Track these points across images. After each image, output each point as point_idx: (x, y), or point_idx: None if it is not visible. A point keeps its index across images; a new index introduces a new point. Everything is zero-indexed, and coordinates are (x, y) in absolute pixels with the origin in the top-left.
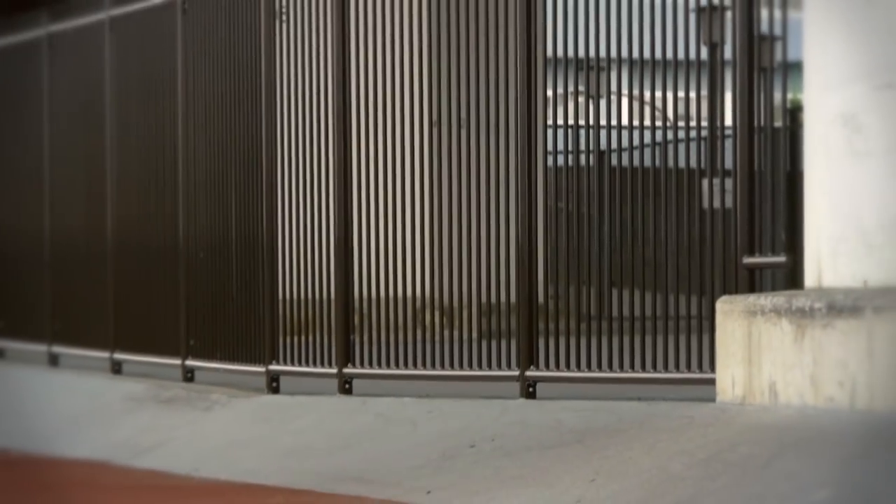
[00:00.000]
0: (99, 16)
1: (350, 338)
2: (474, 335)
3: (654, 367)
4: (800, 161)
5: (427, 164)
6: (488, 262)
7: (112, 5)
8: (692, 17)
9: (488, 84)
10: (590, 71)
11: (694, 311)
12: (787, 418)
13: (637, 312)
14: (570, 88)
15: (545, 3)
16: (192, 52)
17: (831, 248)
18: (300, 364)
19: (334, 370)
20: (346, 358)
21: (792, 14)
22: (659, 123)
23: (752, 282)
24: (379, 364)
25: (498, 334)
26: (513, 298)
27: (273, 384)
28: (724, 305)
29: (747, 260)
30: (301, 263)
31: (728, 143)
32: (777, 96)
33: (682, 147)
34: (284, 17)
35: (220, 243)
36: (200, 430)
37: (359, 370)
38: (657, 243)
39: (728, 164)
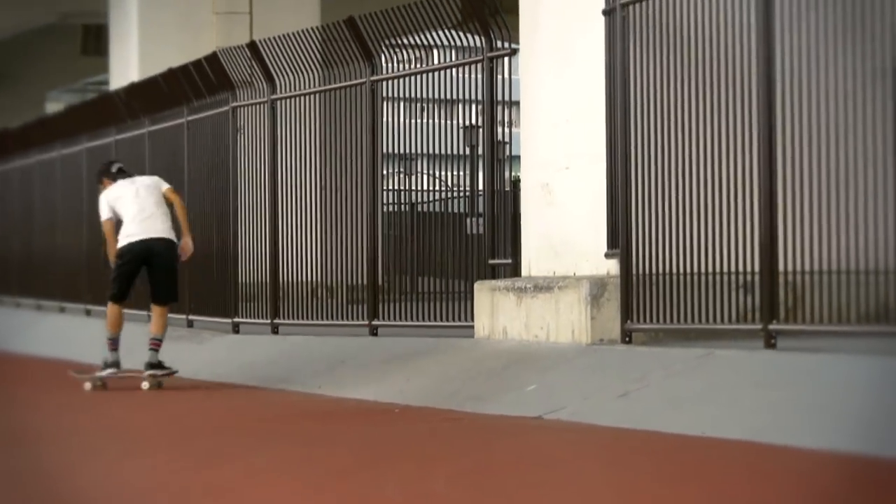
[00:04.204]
0: (142, 130)
1: (277, 303)
2: (345, 301)
3: (443, 318)
4: (519, 208)
5: (320, 210)
6: (353, 262)
7: (149, 124)
8: (461, 131)
9: (353, 166)
10: (406, 160)
11: (463, 289)
12: (513, 347)
13: (433, 289)
14: (396, 169)
15: (382, 124)
16: (193, 148)
17: (535, 255)
18: (250, 317)
19: (268, 321)
20: (275, 314)
21: (515, 130)
22: (443, 188)
23: (494, 273)
24: (294, 317)
25: (358, 301)
26: (365, 281)
27: (235, 328)
28: (478, 285)
29: (491, 261)
30: (251, 262)
31: (481, 199)
32: (507, 174)
33: (456, 201)
34: (242, 130)
35: (207, 251)
36: (197, 354)
37: (282, 321)
38: (443, 252)
39: (481, 210)
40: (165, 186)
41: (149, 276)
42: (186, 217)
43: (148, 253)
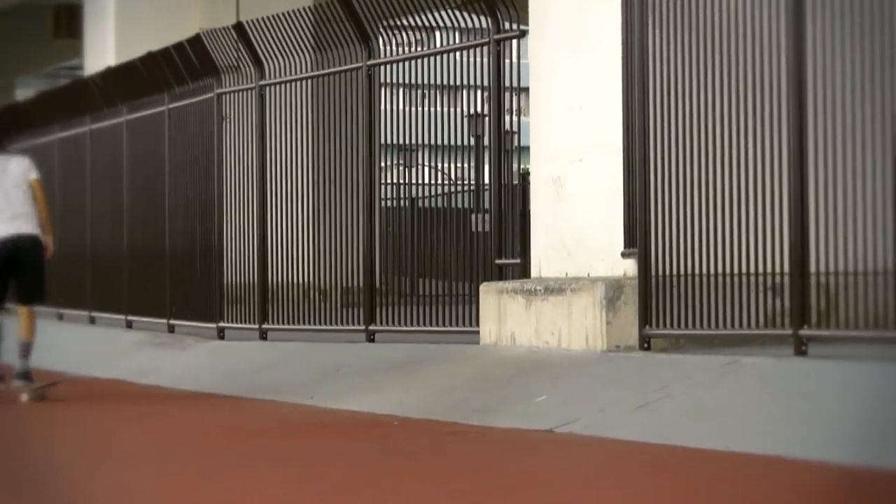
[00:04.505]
0: (119, 119)
1: (266, 306)
2: (339, 305)
3: (446, 323)
4: (528, 203)
5: (312, 204)
6: (348, 262)
7: (127, 112)
8: (465, 120)
9: (348, 158)
10: (406, 151)
11: (468, 291)
12: (521, 354)
13: (435, 291)
14: (395, 161)
15: (380, 112)
16: (175, 138)
17: (546, 254)
18: (237, 322)
19: (256, 326)
20: (264, 318)
21: (523, 119)
22: (446, 182)
23: (501, 274)
24: (284, 322)
25: (353, 304)
26: (361, 283)
27: (220, 334)
28: (484, 287)
29: (497, 261)
30: (237, 262)
31: (487, 194)
32: (515, 166)
33: (460, 196)
34: (227, 118)
35: (189, 249)
36: (178, 361)
37: (271, 326)
38: (446, 251)
39: (487, 205)
40: (34, 176)
41: (15, 276)
42: (46, 212)
43: (16, 250)
